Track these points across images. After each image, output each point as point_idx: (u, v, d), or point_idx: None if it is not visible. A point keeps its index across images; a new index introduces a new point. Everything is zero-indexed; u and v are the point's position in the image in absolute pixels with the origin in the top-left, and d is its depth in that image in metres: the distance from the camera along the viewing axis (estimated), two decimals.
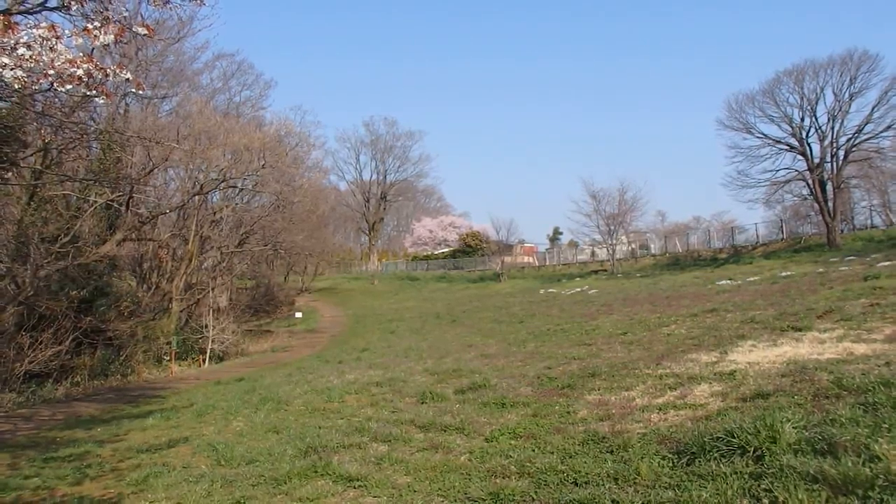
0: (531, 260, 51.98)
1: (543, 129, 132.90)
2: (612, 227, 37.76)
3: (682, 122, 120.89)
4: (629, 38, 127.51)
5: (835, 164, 29.53)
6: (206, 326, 24.72)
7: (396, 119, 72.11)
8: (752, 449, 4.75)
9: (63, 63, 4.53)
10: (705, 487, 4.45)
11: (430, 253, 65.50)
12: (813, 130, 30.09)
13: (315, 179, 43.67)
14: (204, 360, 23.73)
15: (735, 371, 7.66)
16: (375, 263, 67.35)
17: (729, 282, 21.52)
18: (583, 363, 10.06)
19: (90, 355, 18.86)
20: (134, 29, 5.15)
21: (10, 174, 15.19)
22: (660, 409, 6.65)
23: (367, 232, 71.76)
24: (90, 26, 4.75)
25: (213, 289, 27.73)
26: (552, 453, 5.81)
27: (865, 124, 28.52)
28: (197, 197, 28.27)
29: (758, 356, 8.38)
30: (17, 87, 4.52)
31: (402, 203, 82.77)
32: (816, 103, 29.75)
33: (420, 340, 19.81)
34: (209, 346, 24.22)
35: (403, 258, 71.75)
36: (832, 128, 29.47)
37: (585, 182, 38.96)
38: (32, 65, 4.45)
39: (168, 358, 22.46)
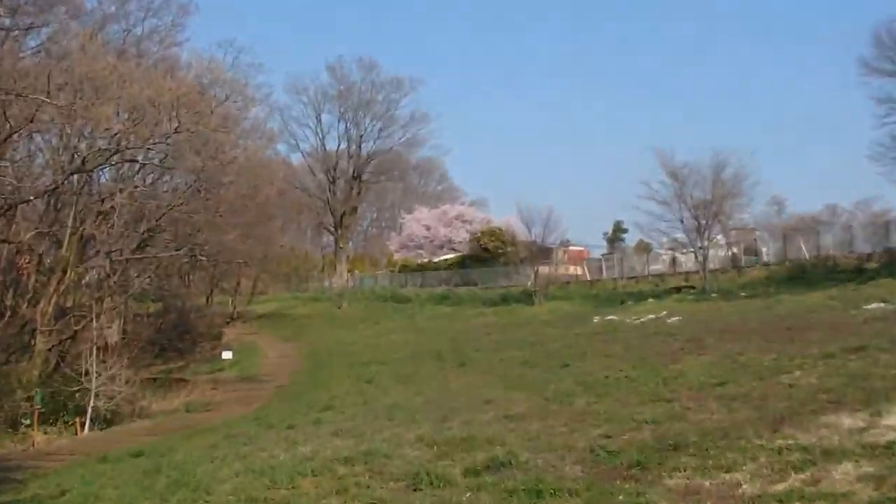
0: (580, 271, 51.83)
1: (598, 83, 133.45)
2: (704, 222, 37.60)
3: (804, 63, 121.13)
4: None
5: None
6: (88, 373, 24.66)
7: (378, 62, 71.62)
8: None
9: None
10: None
11: (426, 260, 65.48)
12: None
13: (255, 149, 43.77)
14: (83, 425, 23.64)
15: (894, 443, 7.55)
16: (345, 276, 67.35)
17: (883, 305, 21.30)
18: (660, 429, 9.95)
19: None
20: None
21: None
22: (780, 502, 6.56)
23: (334, 229, 71.96)
24: None
25: (98, 315, 27.66)
26: None
27: None
28: (77, 176, 28.30)
29: None
30: None
31: (386, 186, 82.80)
32: None
33: (412, 393, 19.68)
34: (91, 404, 24.15)
35: (387, 268, 71.70)
36: None
37: (662, 155, 38.56)
38: None
39: (29, 421, 22.34)
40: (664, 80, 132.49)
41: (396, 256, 73.12)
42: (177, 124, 27.34)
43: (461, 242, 66.85)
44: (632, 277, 46.07)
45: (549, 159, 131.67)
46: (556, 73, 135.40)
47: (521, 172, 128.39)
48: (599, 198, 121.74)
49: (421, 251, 70.31)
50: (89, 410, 24.02)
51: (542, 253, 48.57)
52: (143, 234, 31.52)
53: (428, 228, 71.63)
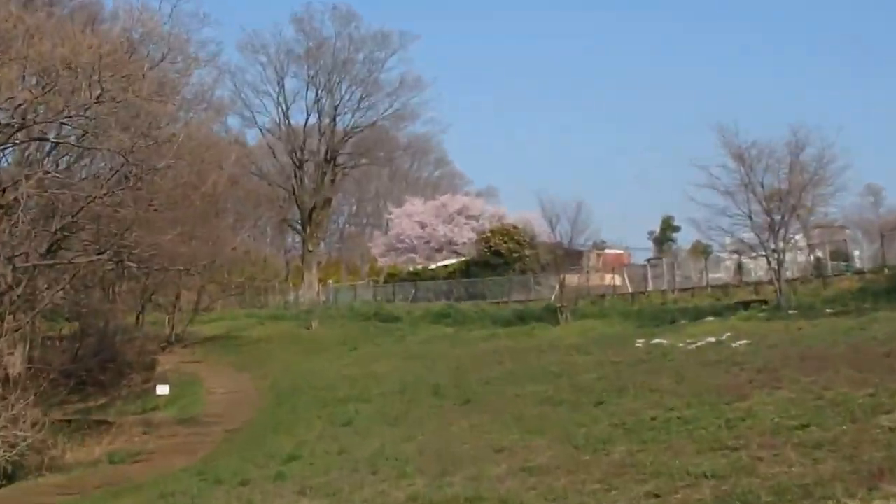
0: (618, 281, 51.84)
1: (640, 45, 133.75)
2: (779, 217, 37.56)
3: None
4: None
5: None
6: None
7: (357, 12, 71.47)
8: None
9: None
10: None
11: (420, 268, 65.52)
12: None
13: (200, 124, 43.78)
14: None
15: None
16: (315, 288, 67.35)
17: None
18: (723, 486, 9.93)
19: None
20: None
21: None
22: None
23: (301, 226, 72.00)
24: None
25: None
26: None
27: None
28: None
29: None
30: None
31: (369, 171, 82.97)
32: None
33: (402, 439, 19.67)
34: None
35: (369, 277, 71.80)
36: None
37: (724, 132, 38.49)
38: None
39: None
40: (727, 41, 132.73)
41: (381, 262, 73.27)
42: (98, 92, 27.29)
43: (465, 244, 66.94)
44: (686, 289, 46.07)
45: (578, 139, 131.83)
46: (585, 34, 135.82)
47: (541, 155, 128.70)
48: (643, 187, 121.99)
49: (413, 255, 70.38)
50: None
51: (569, 257, 48.59)
52: (55, 233, 31.45)
53: (422, 226, 71.72)
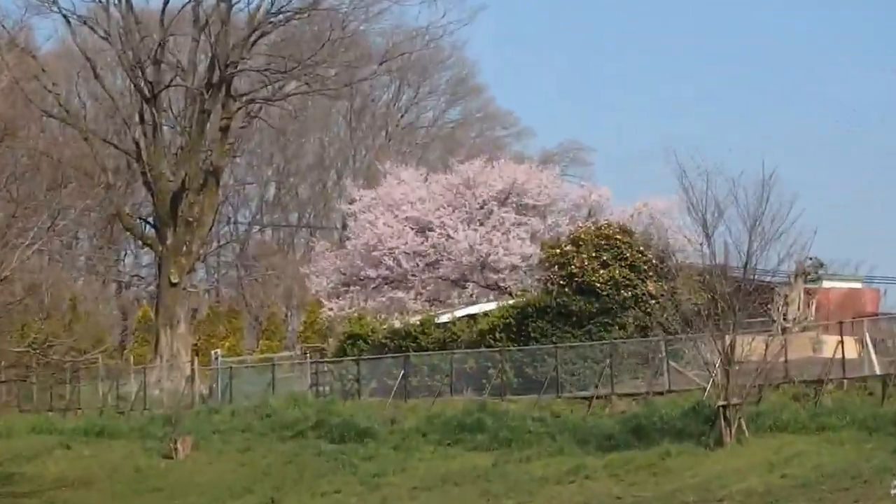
0: (851, 350, 51.34)
1: None
2: None
3: None
4: None
5: None
6: None
7: None
8: None
9: None
10: None
11: (417, 322, 65.12)
12: None
13: None
14: None
15: None
16: (187, 367, 67.40)
17: None
18: None
19: None
20: None
21: None
22: None
23: (155, 233, 71.95)
24: None
25: None
26: None
27: None
28: None
29: None
30: None
31: (305, 112, 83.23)
32: None
33: None
34: None
35: (304, 344, 71.87)
36: None
37: None
38: None
39: None
40: None
41: (331, 309, 72.91)
42: None
43: (516, 268, 66.85)
44: None
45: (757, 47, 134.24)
46: None
47: (678, 81, 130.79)
48: None
49: (401, 294, 70.14)
50: None
51: (745, 298, 48.00)
52: None
53: (421, 229, 71.29)
